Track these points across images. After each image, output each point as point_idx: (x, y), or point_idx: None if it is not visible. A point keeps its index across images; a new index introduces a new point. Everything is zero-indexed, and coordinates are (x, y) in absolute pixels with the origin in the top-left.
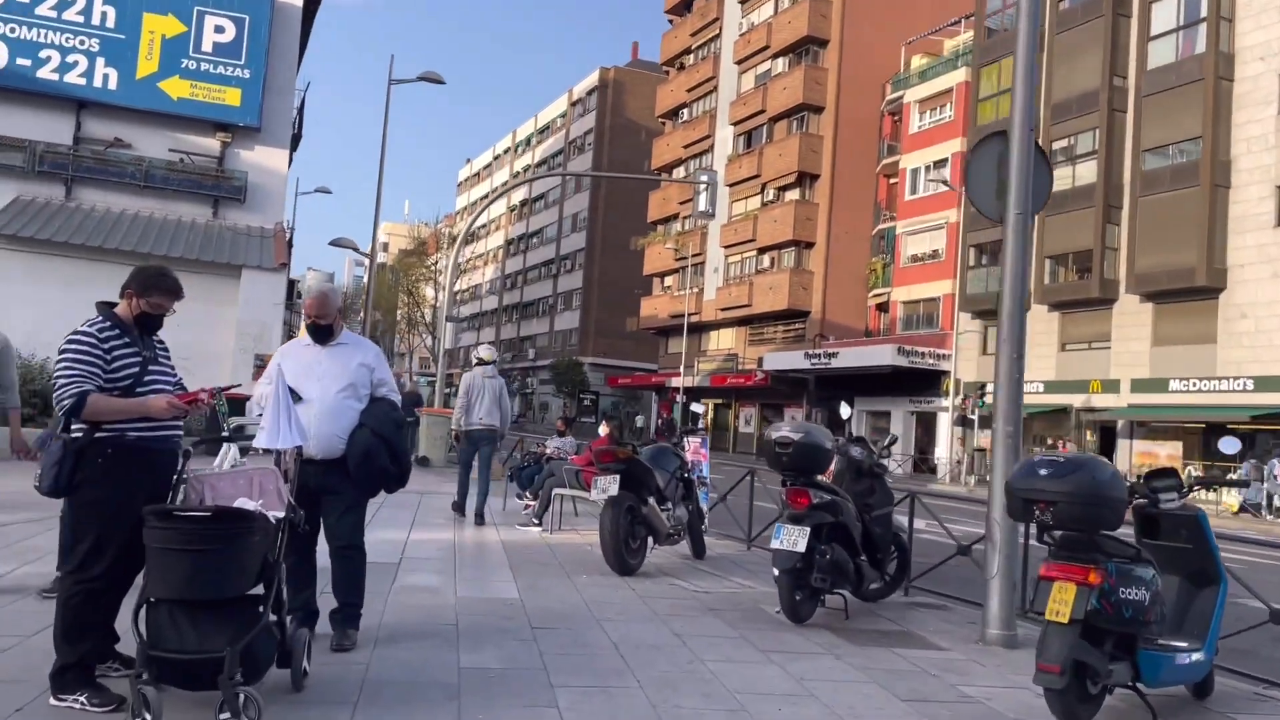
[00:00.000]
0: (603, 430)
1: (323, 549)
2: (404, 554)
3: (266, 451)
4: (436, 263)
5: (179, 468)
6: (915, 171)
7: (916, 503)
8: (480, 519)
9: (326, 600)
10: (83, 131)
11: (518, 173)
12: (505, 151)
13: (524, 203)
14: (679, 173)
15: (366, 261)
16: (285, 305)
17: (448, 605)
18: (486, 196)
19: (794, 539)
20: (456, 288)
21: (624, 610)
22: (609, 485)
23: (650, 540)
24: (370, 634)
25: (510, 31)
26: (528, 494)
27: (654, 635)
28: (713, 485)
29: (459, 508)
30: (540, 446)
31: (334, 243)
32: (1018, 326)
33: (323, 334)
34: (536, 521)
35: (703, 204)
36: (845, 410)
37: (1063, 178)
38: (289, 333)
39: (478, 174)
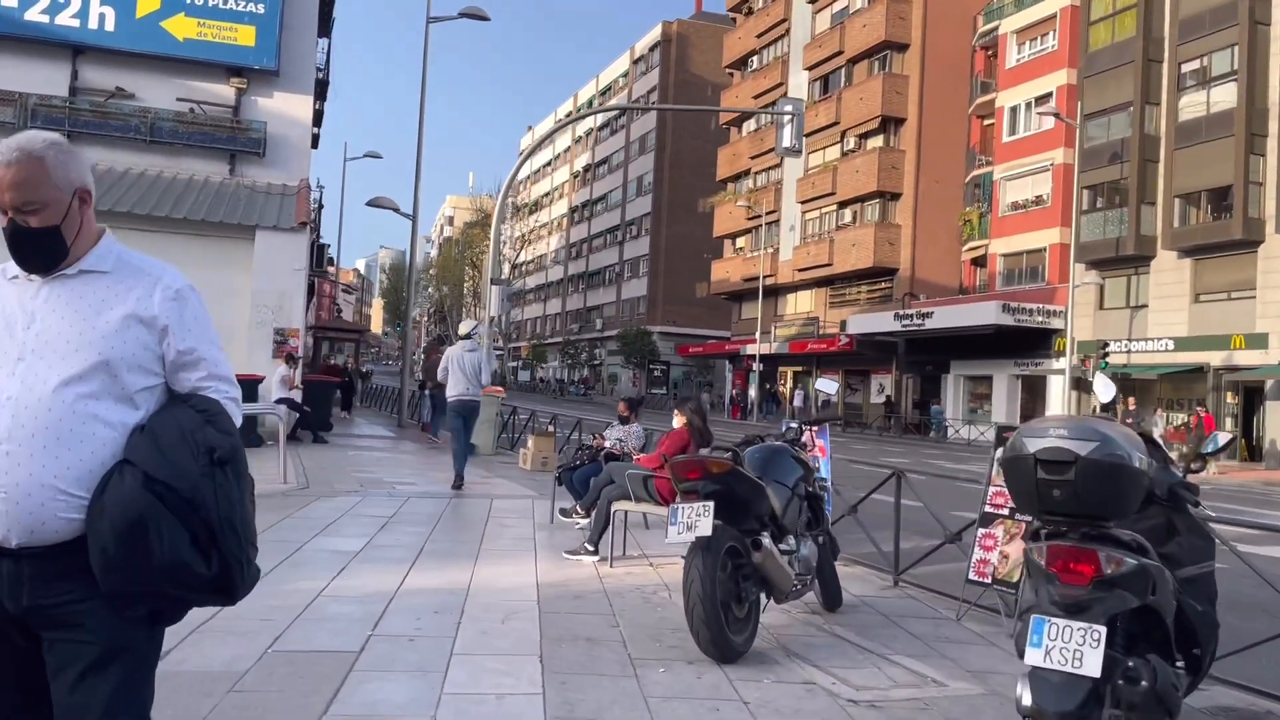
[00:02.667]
0: (677, 421)
1: None
2: (378, 625)
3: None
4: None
5: None
6: (1014, 110)
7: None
8: (460, 482)
9: None
10: (80, 81)
11: (580, 137)
12: (567, 115)
13: (587, 168)
14: (749, 125)
15: (435, 236)
16: (311, 271)
17: None
18: (549, 164)
19: (1076, 651)
20: (519, 259)
21: None
22: (697, 520)
23: (764, 598)
24: None
25: None
26: (578, 508)
27: None
28: (835, 489)
29: (457, 477)
30: (596, 438)
31: (371, 202)
32: None
33: (34, 249)
34: (590, 548)
35: (786, 139)
36: (1107, 389)
37: (1194, 105)
38: (321, 303)
39: (540, 141)
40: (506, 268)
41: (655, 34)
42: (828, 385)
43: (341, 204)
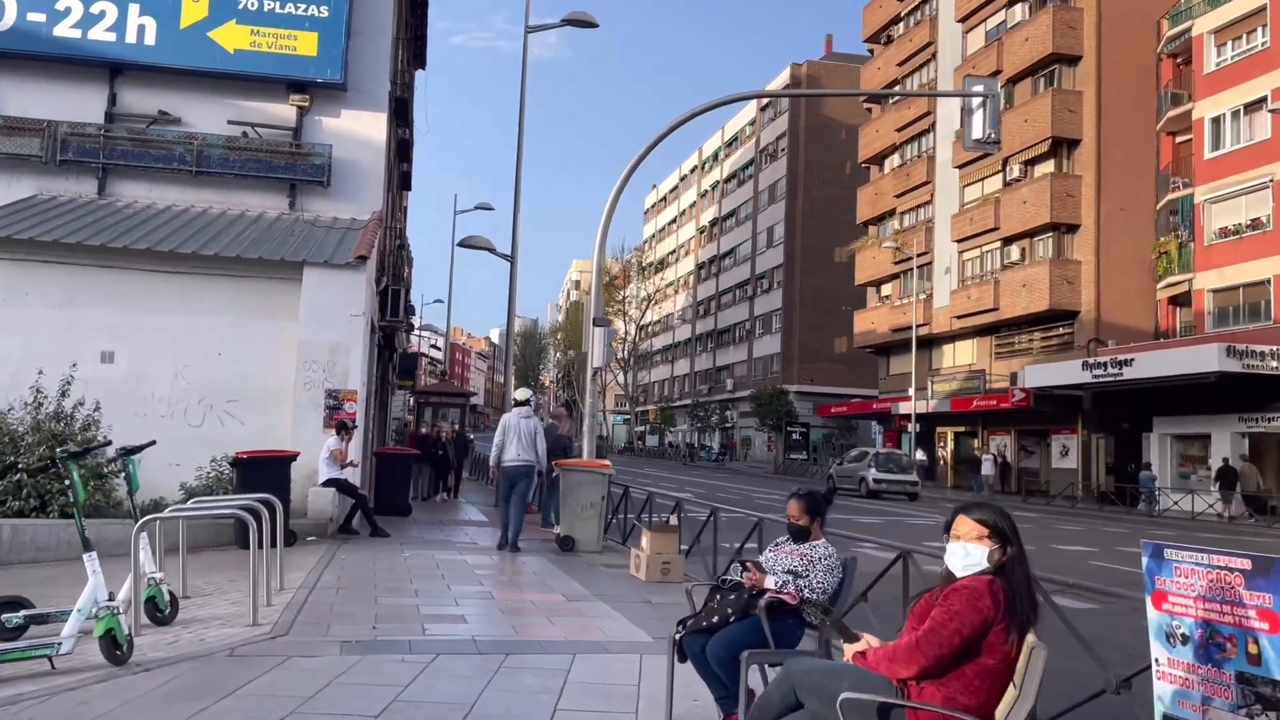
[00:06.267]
0: (960, 558)
1: None
2: None
3: None
4: (625, 297)
5: None
6: (1217, 121)
7: None
8: (515, 547)
9: None
10: (118, 105)
11: (706, 190)
12: (692, 170)
13: (714, 222)
14: (892, 161)
15: (563, 301)
16: (382, 320)
17: None
18: (674, 220)
19: None
20: (645, 320)
21: None
22: None
23: None
24: None
25: (693, 41)
26: None
27: None
28: None
29: (509, 544)
30: (750, 570)
31: (463, 243)
32: None
33: None
34: None
35: (978, 129)
36: None
37: None
38: (385, 357)
39: (664, 198)
40: (633, 328)
41: (784, 77)
42: None
43: (452, 259)
